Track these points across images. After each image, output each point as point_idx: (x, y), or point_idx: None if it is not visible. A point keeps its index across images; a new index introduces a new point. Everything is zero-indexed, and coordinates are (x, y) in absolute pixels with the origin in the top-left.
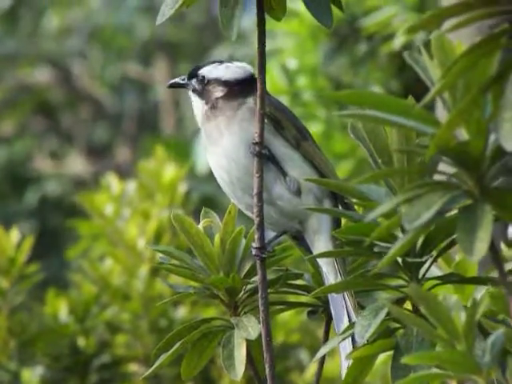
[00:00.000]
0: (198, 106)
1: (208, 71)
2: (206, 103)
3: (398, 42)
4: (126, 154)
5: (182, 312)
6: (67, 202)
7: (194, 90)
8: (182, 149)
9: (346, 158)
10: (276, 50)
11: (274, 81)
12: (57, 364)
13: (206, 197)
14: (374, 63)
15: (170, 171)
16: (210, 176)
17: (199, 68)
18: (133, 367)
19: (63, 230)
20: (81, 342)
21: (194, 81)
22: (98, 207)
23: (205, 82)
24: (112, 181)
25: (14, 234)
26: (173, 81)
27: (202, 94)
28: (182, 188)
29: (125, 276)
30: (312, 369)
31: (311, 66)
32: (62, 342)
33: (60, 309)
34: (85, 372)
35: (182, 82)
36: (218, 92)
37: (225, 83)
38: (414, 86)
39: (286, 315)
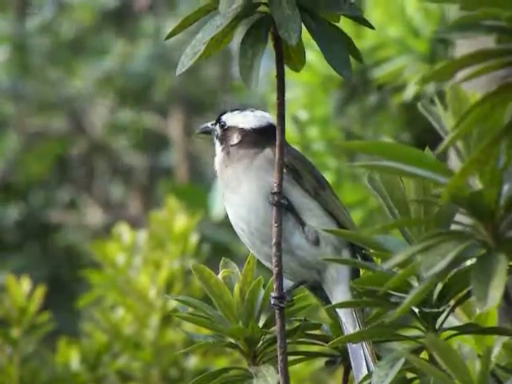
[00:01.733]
0: (217, 151)
1: (228, 118)
2: (222, 149)
3: (409, 92)
4: (140, 206)
5: (193, 361)
6: (79, 252)
7: (217, 136)
8: (197, 196)
9: (356, 208)
10: (287, 100)
11: (285, 131)
12: None
13: (219, 244)
14: (384, 114)
15: (181, 221)
16: (225, 223)
17: (223, 114)
18: None
19: (75, 280)
20: None
21: (217, 126)
22: (109, 257)
23: (225, 128)
24: (123, 231)
25: (26, 284)
26: (202, 126)
27: (221, 140)
28: (194, 238)
29: (136, 325)
30: None
31: (322, 116)
32: None
33: (72, 357)
34: None
35: (209, 127)
36: (234, 139)
37: (240, 131)
38: (425, 137)
39: (298, 364)
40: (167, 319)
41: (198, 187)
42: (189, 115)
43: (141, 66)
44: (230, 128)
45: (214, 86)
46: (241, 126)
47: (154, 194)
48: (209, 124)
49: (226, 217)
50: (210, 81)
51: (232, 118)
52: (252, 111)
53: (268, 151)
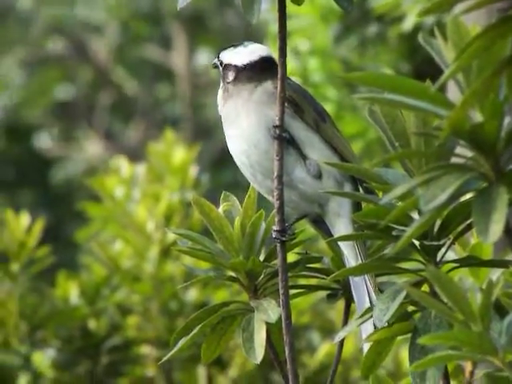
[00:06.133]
0: (220, 86)
1: (224, 56)
2: (222, 86)
3: (408, 23)
4: (142, 138)
5: (192, 294)
6: (79, 185)
7: (219, 74)
8: None
9: (356, 139)
10: (287, 31)
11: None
12: (68, 346)
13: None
14: (384, 45)
15: (179, 153)
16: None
17: (221, 51)
18: (144, 349)
19: (74, 214)
20: (92, 324)
21: (219, 64)
22: (108, 190)
23: (222, 66)
24: (122, 164)
25: (25, 218)
26: (214, 60)
27: (221, 76)
28: (193, 170)
29: (135, 258)
30: (323, 350)
31: (322, 47)
32: (73, 324)
33: (71, 291)
34: (96, 354)
35: (216, 62)
36: (230, 76)
37: (234, 68)
38: (425, 68)
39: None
40: (166, 252)
41: None
42: (193, 44)
43: None
44: (226, 66)
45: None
46: (234, 63)
47: (156, 127)
48: (216, 59)
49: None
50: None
51: (227, 56)
52: (245, 46)
53: (267, 85)
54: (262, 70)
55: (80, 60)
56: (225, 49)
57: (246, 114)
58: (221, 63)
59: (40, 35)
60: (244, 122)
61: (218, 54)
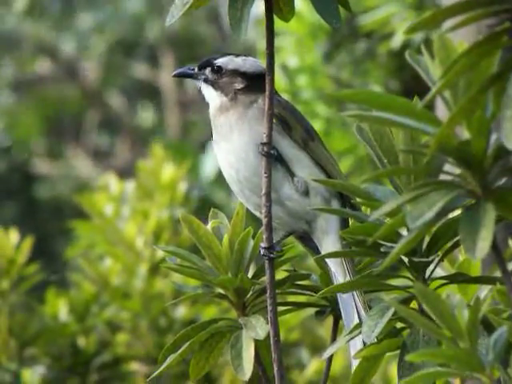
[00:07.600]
0: (212, 97)
1: (225, 62)
2: (226, 95)
3: (397, 40)
4: (130, 156)
5: (181, 311)
6: (67, 203)
7: (207, 81)
8: (185, 153)
9: (345, 156)
10: (276, 48)
11: (275, 80)
12: (57, 364)
13: (206, 199)
14: (373, 62)
15: (168, 170)
16: (216, 183)
17: (214, 58)
18: (133, 366)
19: (63, 231)
20: (81, 341)
21: (207, 71)
22: (97, 207)
23: (221, 73)
24: (111, 181)
25: (14, 235)
26: (180, 70)
27: (216, 84)
28: (182, 187)
29: (124, 275)
30: (312, 367)
31: (311, 64)
32: (63, 341)
33: (60, 308)
34: (85, 371)
35: (190, 71)
36: (238, 83)
37: (243, 75)
38: (413, 85)
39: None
40: (155, 269)
41: (188, 144)
42: (180, 63)
43: (133, 10)
44: (230, 72)
45: (204, 30)
46: (243, 69)
47: (144, 144)
48: (185, 69)
49: (216, 178)
50: (200, 21)
51: (231, 62)
52: (247, 57)
53: (261, 101)
54: (262, 84)
55: (68, 80)
56: (216, 57)
57: (239, 129)
58: (217, 70)
59: (28, 56)
60: (235, 137)
61: (208, 61)
